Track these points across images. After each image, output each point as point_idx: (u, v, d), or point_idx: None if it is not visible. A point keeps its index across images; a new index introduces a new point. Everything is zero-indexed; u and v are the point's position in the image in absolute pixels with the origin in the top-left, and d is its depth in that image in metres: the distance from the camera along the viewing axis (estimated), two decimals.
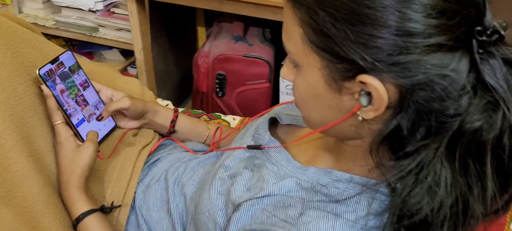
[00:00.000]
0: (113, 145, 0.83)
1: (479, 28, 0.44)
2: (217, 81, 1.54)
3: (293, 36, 0.51)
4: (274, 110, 0.75)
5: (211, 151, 0.82)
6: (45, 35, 1.82)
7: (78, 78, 0.80)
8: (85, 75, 0.82)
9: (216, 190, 0.65)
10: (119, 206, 0.75)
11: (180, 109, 1.17)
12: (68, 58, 0.79)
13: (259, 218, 0.58)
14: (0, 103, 0.68)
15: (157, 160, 0.85)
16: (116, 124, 0.86)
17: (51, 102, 0.73)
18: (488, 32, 0.44)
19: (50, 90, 0.74)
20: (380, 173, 0.50)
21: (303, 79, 0.53)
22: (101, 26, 1.67)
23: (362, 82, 0.47)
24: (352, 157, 0.57)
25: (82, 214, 0.69)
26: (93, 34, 1.67)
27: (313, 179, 0.58)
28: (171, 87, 1.86)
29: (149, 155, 0.85)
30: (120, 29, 1.64)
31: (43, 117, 0.74)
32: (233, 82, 1.53)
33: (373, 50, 0.45)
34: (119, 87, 0.89)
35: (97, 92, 0.84)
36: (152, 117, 0.89)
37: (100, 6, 1.64)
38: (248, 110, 1.56)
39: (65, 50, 0.80)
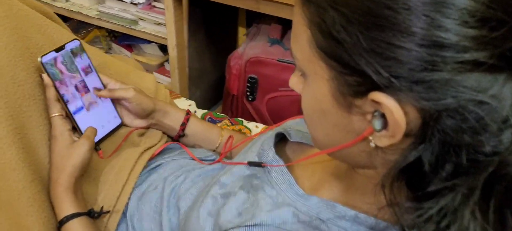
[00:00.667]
0: (117, 143, 0.77)
1: None
2: (248, 84, 1.46)
3: (300, 40, 0.43)
4: (284, 125, 0.66)
5: (219, 161, 0.75)
6: (89, 25, 1.86)
7: (80, 62, 0.75)
8: (89, 60, 0.76)
9: (206, 209, 0.57)
10: (108, 211, 0.69)
11: (202, 112, 1.11)
12: (75, 47, 0.74)
13: None
14: None
15: (159, 165, 0.78)
16: (122, 122, 0.81)
17: (50, 93, 0.69)
18: None
19: (52, 79, 0.69)
20: (392, 214, 0.41)
21: (309, 90, 0.45)
22: (141, 19, 1.66)
23: (375, 101, 0.38)
24: (362, 189, 0.48)
25: (66, 217, 0.64)
26: (133, 27, 1.66)
27: (313, 212, 0.49)
28: (205, 86, 1.81)
29: (151, 159, 0.79)
30: (159, 24, 1.62)
31: (42, 108, 0.70)
32: (264, 87, 1.45)
33: (390, 63, 0.36)
34: (132, 82, 0.83)
35: (104, 86, 0.78)
36: (161, 117, 0.83)
37: None
38: (278, 118, 1.46)
39: (73, 38, 0.76)
